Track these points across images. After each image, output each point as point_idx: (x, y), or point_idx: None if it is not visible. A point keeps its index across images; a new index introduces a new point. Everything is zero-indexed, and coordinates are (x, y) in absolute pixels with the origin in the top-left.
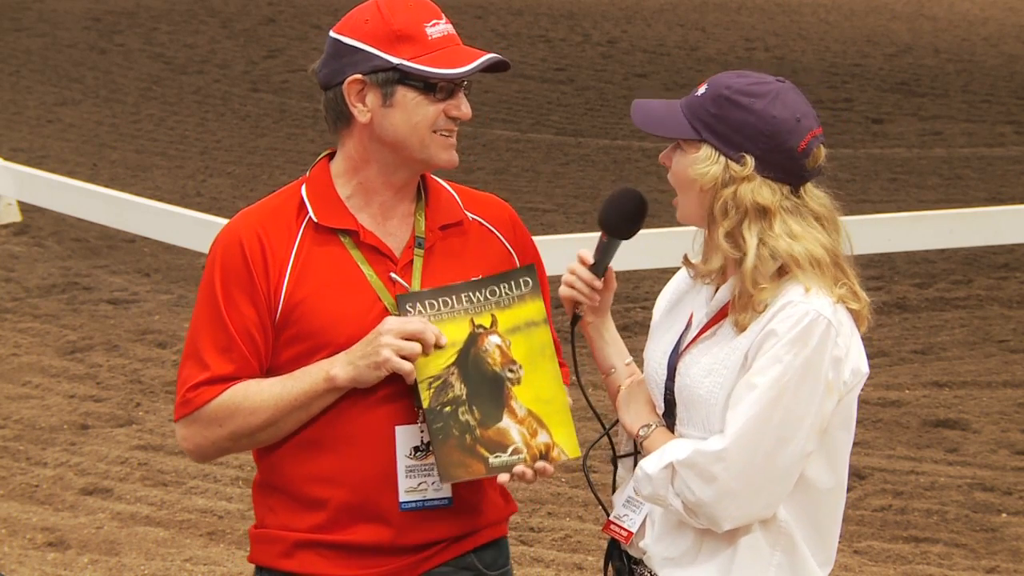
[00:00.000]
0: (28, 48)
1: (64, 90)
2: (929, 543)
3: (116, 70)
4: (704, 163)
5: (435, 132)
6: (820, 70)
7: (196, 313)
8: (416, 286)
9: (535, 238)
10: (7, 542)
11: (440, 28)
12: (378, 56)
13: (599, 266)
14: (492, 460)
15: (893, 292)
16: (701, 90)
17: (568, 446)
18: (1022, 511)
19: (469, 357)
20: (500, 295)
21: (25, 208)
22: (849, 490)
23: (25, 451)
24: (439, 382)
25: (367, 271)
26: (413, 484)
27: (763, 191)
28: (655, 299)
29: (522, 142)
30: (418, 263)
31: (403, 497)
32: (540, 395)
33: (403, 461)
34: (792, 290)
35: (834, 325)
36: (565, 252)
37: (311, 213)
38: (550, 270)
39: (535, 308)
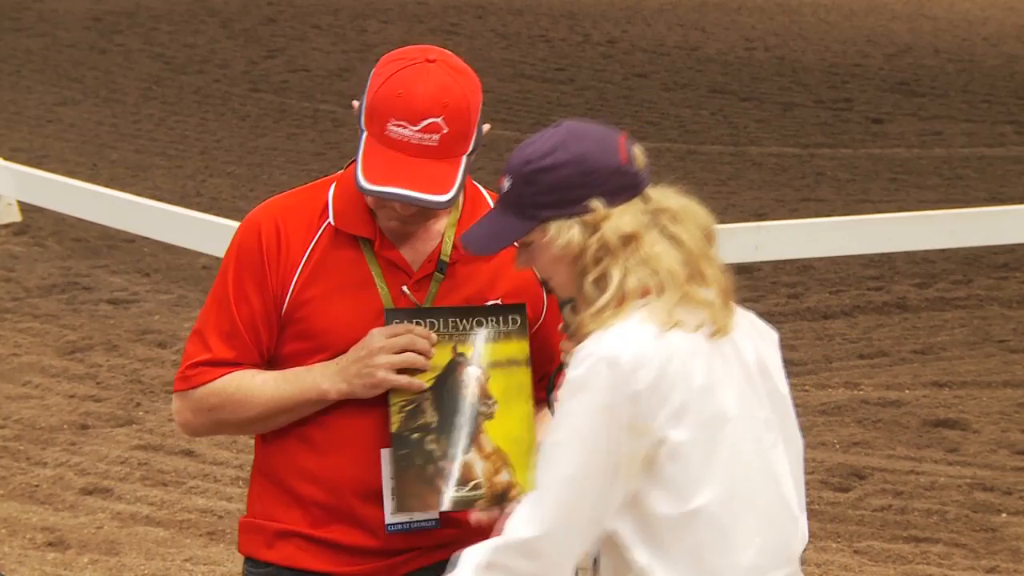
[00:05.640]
0: (28, 48)
1: (64, 90)
2: (929, 543)
3: (116, 70)
4: (561, 236)
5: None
6: (820, 70)
7: (211, 292)
8: (429, 304)
9: None
10: (7, 542)
11: (403, 132)
12: (361, 110)
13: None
14: (450, 494)
15: (893, 292)
16: (507, 183)
17: (530, 488)
18: (1022, 511)
19: (446, 385)
20: (487, 327)
21: (25, 208)
22: (849, 490)
23: (25, 451)
24: (412, 406)
25: (379, 282)
26: None
27: (623, 219)
28: None
29: (522, 142)
30: (435, 283)
31: (389, 519)
32: (510, 434)
33: (388, 483)
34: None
35: (624, 362)
36: None
37: (330, 217)
38: None
39: (519, 347)
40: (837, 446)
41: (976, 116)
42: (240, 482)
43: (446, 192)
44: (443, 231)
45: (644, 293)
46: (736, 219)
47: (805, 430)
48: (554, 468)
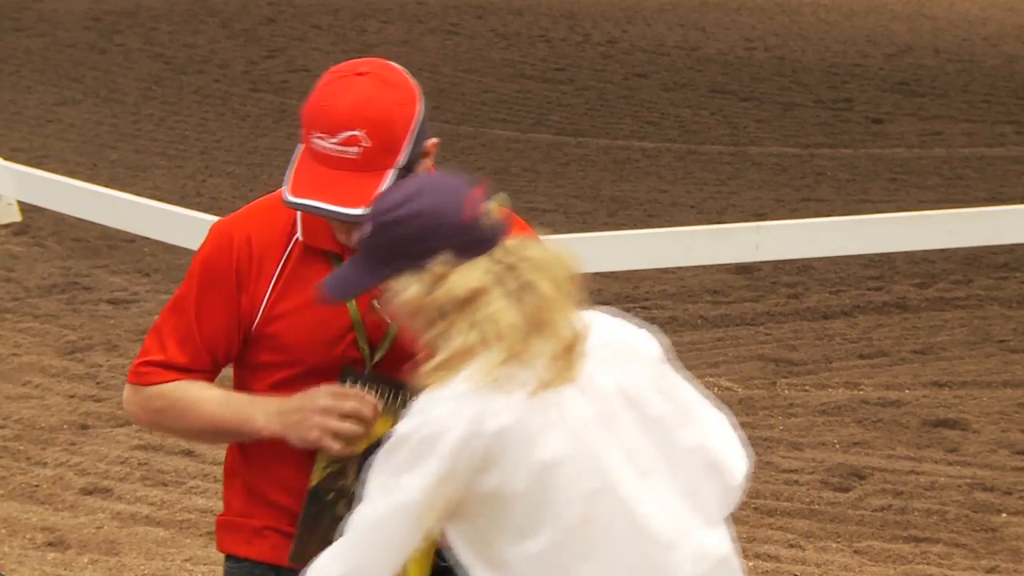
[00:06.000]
0: (28, 48)
1: (64, 90)
2: (929, 543)
3: (116, 70)
4: (407, 288)
5: None
6: (820, 70)
7: (176, 293)
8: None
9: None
10: (7, 542)
11: (324, 145)
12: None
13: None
14: None
15: (893, 292)
16: (368, 228)
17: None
18: (1022, 511)
19: (375, 455)
20: None
21: (25, 208)
22: (849, 490)
23: (25, 451)
24: (336, 467)
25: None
26: None
27: (467, 276)
28: (655, 299)
29: (522, 142)
30: None
31: (289, 561)
32: None
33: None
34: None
35: (442, 422)
36: None
37: (299, 232)
38: None
39: None
40: (837, 446)
41: (976, 116)
42: None
43: (362, 205)
44: None
45: (479, 350)
46: (736, 219)
47: (805, 430)
48: (365, 513)
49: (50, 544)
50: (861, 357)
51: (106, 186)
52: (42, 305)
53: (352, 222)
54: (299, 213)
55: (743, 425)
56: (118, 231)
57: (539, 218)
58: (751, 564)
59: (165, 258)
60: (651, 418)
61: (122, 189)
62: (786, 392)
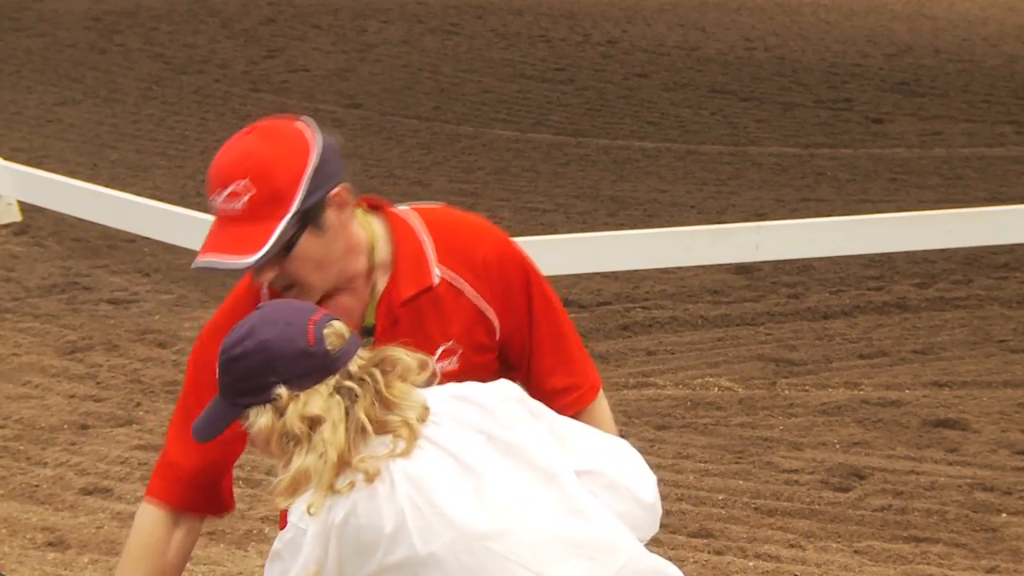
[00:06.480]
0: (28, 48)
1: (64, 90)
2: (929, 543)
3: (116, 70)
4: (255, 422)
5: None
6: (820, 70)
7: (180, 395)
8: None
9: (535, 238)
10: (7, 542)
11: (216, 203)
12: None
13: None
14: None
15: (893, 292)
16: (218, 366)
17: None
18: (1022, 511)
19: None
20: None
21: (25, 208)
22: (849, 490)
23: (25, 451)
24: None
25: None
26: None
27: (309, 403)
28: (655, 299)
29: (522, 142)
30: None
31: None
32: None
33: None
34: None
35: (299, 529)
36: (566, 252)
37: (264, 292)
38: (551, 270)
39: None
40: (837, 446)
41: (976, 116)
42: (240, 482)
43: (252, 253)
44: (367, 297)
45: (316, 470)
46: (736, 219)
47: (805, 430)
48: None
49: (50, 544)
50: (861, 357)
51: (106, 186)
52: (42, 305)
53: (250, 270)
54: (265, 289)
55: (743, 425)
56: (118, 231)
57: (539, 218)
58: (751, 564)
59: (165, 258)
60: (512, 445)
61: (122, 189)
62: (786, 392)
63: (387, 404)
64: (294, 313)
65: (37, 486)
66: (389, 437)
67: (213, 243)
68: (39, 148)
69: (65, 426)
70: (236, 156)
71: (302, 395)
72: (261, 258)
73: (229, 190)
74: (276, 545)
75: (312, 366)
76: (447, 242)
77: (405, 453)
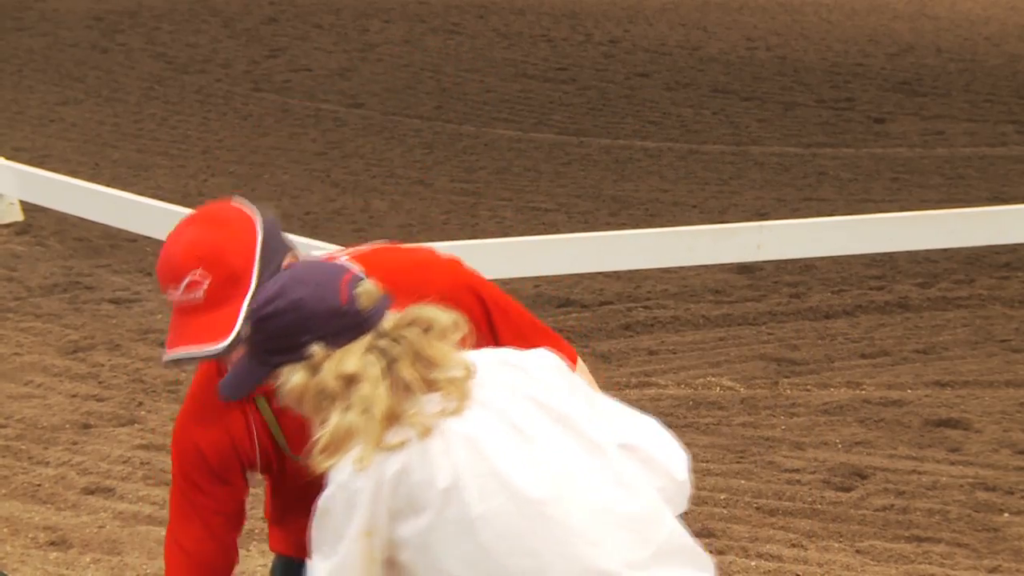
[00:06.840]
0: (30, 47)
1: (66, 89)
2: (931, 543)
3: (118, 69)
4: (288, 380)
5: None
6: (822, 69)
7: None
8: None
9: (537, 238)
10: (9, 541)
11: (175, 296)
12: None
13: None
14: None
15: (895, 292)
16: (249, 329)
17: None
18: None
19: None
20: None
21: (27, 207)
22: (851, 490)
23: (27, 450)
24: None
25: (276, 432)
26: None
27: (345, 361)
28: (656, 298)
29: (524, 141)
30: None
31: None
32: None
33: None
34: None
35: (350, 486)
36: (568, 252)
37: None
38: (552, 270)
39: None
40: (839, 446)
41: (978, 116)
42: None
43: (223, 338)
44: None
45: (359, 429)
46: (738, 219)
47: (807, 430)
48: None
49: (52, 543)
50: (863, 357)
51: (108, 185)
52: (44, 305)
53: (220, 356)
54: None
55: (745, 425)
56: (120, 230)
57: (541, 218)
58: (753, 564)
59: None
60: (562, 414)
61: (124, 188)
62: (788, 392)
63: (428, 362)
64: (325, 272)
65: (39, 485)
66: (438, 395)
67: (182, 335)
68: (41, 148)
69: (67, 425)
70: (184, 247)
71: (337, 353)
72: (233, 341)
73: (186, 281)
74: (323, 504)
75: (345, 324)
76: (396, 287)
77: (457, 411)
